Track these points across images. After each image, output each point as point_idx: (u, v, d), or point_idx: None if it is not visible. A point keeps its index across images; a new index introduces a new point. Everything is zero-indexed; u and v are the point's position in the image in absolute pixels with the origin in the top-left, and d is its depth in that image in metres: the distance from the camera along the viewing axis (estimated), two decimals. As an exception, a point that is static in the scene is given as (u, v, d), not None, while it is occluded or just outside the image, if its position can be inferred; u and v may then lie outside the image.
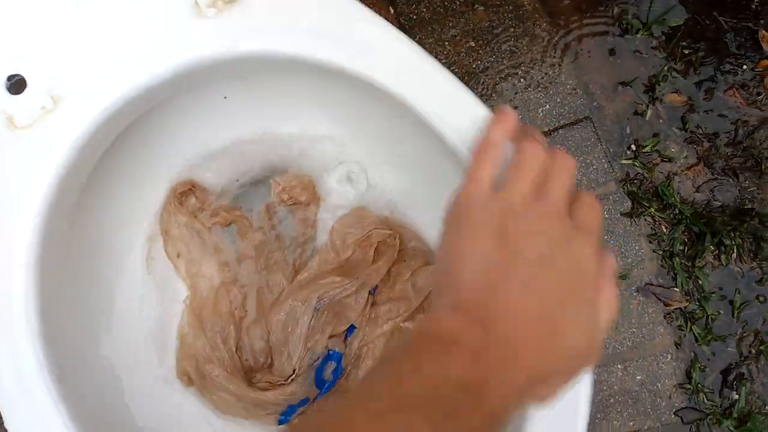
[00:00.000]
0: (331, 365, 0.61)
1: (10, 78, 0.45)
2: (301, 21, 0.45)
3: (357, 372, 0.61)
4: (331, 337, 0.60)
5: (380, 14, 0.92)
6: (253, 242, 0.60)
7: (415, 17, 1.00)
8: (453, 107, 0.44)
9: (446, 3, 1.00)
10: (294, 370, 0.58)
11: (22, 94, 0.45)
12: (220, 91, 0.56)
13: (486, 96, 0.98)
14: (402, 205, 0.64)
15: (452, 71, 0.84)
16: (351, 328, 0.62)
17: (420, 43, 0.94)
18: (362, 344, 0.61)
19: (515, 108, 0.97)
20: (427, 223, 0.63)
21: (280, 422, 0.58)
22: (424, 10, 1.00)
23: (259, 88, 0.56)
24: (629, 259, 0.95)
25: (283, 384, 0.58)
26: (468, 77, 0.98)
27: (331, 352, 0.61)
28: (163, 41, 0.45)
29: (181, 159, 0.59)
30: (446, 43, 0.99)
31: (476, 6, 1.00)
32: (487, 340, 0.29)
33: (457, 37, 0.99)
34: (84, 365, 0.48)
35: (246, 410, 0.57)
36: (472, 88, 0.94)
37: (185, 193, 0.59)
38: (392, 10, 1.00)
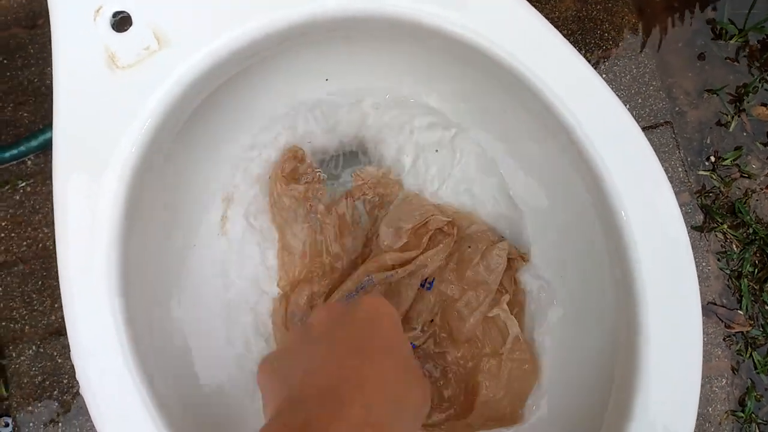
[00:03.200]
0: None
1: (115, 14, 0.43)
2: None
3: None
4: None
5: None
6: (334, 223, 0.58)
7: None
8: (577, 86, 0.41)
9: (533, -14, 0.96)
10: None
11: (126, 32, 0.42)
12: (323, 56, 0.53)
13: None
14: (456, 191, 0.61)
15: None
16: None
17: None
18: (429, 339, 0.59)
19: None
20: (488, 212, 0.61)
21: None
22: (510, -9, 0.96)
23: (364, 54, 0.53)
24: (694, 275, 0.91)
25: None
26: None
27: None
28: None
29: (267, 119, 0.57)
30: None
31: (565, -8, 0.95)
32: None
33: (542, 23, 0.95)
34: (157, 325, 0.46)
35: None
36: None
37: (290, 159, 0.56)
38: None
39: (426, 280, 0.60)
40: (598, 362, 0.48)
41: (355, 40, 0.51)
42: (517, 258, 0.59)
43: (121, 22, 0.43)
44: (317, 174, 0.58)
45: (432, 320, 0.59)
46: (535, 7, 0.95)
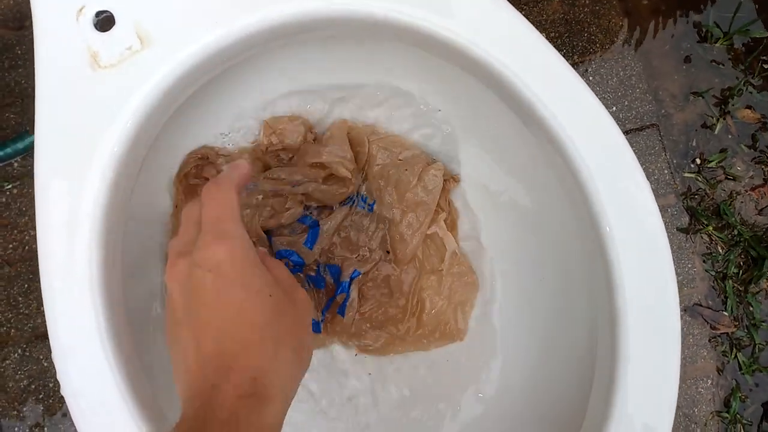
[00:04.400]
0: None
1: (98, 14, 0.43)
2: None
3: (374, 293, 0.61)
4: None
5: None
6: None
7: None
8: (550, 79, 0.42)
9: (520, -11, 0.96)
10: None
11: (109, 31, 0.42)
12: (301, 51, 0.53)
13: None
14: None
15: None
16: (314, 228, 0.60)
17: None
18: (373, 255, 0.60)
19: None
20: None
21: None
22: (498, -6, 0.96)
23: (341, 52, 0.53)
24: (680, 277, 0.91)
25: None
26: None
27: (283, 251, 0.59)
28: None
29: (247, 116, 0.57)
30: (516, 32, 0.95)
31: (552, -4, 0.96)
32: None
33: (529, 27, 0.95)
34: (139, 327, 0.46)
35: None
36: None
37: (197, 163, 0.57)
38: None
39: (366, 201, 0.61)
40: (578, 358, 0.48)
41: (338, 39, 0.51)
42: (449, 179, 0.62)
43: (104, 21, 0.43)
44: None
45: (377, 248, 0.61)
46: (523, 9, 0.96)
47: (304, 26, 0.44)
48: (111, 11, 0.43)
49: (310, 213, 0.60)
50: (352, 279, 0.60)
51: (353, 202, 0.61)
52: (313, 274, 0.60)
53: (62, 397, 0.85)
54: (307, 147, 0.57)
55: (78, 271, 0.41)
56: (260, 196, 0.58)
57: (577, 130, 0.42)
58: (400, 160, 0.60)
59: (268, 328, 0.33)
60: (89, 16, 0.42)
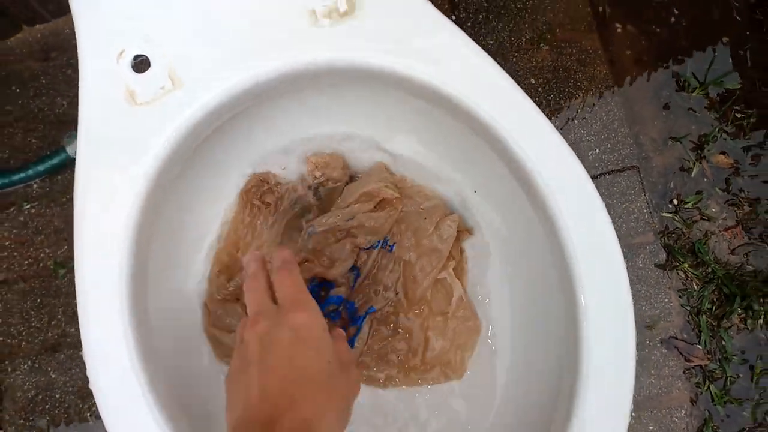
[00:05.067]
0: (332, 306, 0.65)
1: (136, 57, 0.49)
2: (406, 41, 0.49)
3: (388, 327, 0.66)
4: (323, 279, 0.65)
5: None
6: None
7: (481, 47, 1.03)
8: (516, 115, 0.48)
9: (513, 38, 1.04)
10: None
11: (144, 73, 0.49)
12: (313, 95, 0.59)
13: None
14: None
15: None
16: (357, 274, 0.66)
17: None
18: (386, 293, 0.65)
19: (566, 147, 1.00)
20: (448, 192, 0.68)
21: None
22: (491, 42, 1.04)
23: (348, 97, 0.60)
24: (657, 310, 0.97)
25: None
26: (525, 112, 1.01)
27: (332, 298, 0.65)
28: (279, 44, 0.49)
29: (260, 153, 0.63)
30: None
31: (542, 45, 1.03)
32: None
33: (519, 73, 1.03)
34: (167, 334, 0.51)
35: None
36: (528, 123, 0.98)
37: (258, 184, 0.63)
38: (460, 38, 1.03)
39: (387, 242, 0.66)
40: (548, 371, 0.54)
41: (340, 86, 0.58)
42: (464, 231, 0.67)
43: (141, 64, 0.49)
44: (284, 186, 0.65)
45: (392, 287, 0.66)
46: (514, 56, 1.03)
47: (310, 75, 0.50)
48: (147, 55, 0.49)
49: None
50: (366, 314, 0.65)
51: (381, 245, 0.66)
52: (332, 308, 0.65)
53: (68, 407, 0.89)
54: (351, 186, 0.64)
55: (109, 280, 0.46)
56: (317, 245, 0.64)
57: (552, 176, 0.48)
58: (422, 209, 0.66)
59: (324, 387, 0.40)
60: (128, 59, 0.49)
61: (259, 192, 0.64)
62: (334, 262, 0.64)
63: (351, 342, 0.64)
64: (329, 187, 0.66)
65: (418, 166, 0.67)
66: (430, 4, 0.51)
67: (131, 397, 0.44)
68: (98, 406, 0.44)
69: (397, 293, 0.65)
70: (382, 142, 0.65)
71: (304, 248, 0.64)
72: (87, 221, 0.46)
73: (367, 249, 0.65)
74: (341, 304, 0.64)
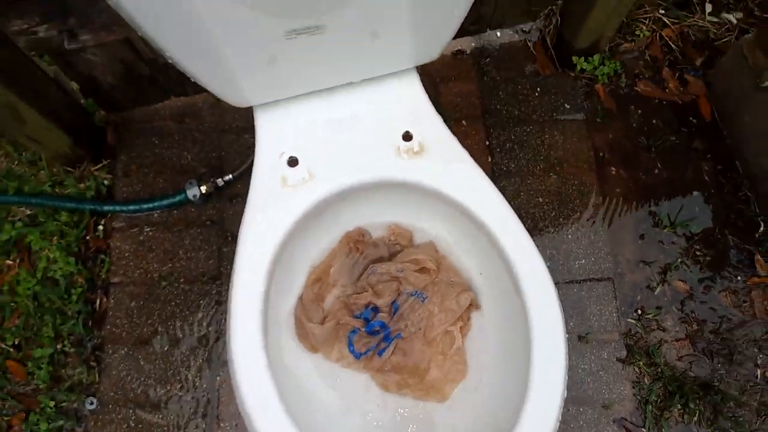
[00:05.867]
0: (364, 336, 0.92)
1: (290, 157, 0.80)
2: (449, 174, 0.79)
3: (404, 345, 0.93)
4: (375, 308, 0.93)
5: (480, 159, 1.29)
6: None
7: (504, 169, 1.35)
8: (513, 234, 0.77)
9: (530, 165, 1.35)
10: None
11: (294, 167, 0.79)
12: (394, 194, 0.90)
13: (544, 245, 1.30)
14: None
15: (521, 215, 1.18)
16: (396, 309, 0.93)
17: (502, 190, 1.28)
18: (411, 328, 0.92)
19: (558, 255, 1.28)
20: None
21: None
22: (513, 165, 1.35)
23: (413, 198, 0.90)
24: (614, 395, 1.22)
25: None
26: (531, 222, 1.31)
27: (377, 321, 0.92)
28: (375, 163, 0.80)
29: (359, 221, 0.94)
30: (521, 194, 1.33)
31: (551, 174, 1.34)
32: None
33: (531, 192, 1.33)
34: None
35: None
36: (531, 232, 1.28)
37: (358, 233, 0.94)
38: (490, 159, 1.35)
39: (422, 295, 0.94)
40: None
41: (408, 194, 0.88)
42: (474, 305, 0.94)
43: (292, 161, 0.80)
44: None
45: (416, 325, 0.93)
46: (530, 179, 1.33)
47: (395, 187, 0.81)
48: (297, 157, 0.80)
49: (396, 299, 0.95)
50: (395, 337, 0.92)
51: (417, 295, 0.94)
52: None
53: (147, 389, 1.15)
54: (408, 250, 0.94)
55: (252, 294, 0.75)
56: (374, 280, 0.94)
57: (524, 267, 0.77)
58: (451, 281, 0.95)
59: None
60: (285, 158, 0.80)
61: (355, 237, 0.94)
62: (383, 295, 0.92)
63: (380, 353, 0.91)
64: (396, 249, 0.95)
65: (447, 245, 0.96)
66: (467, 155, 0.81)
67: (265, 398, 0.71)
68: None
69: (418, 329, 0.93)
70: (426, 228, 0.95)
71: (366, 280, 0.93)
72: (244, 248, 0.75)
73: (407, 294, 0.93)
74: (381, 326, 0.92)
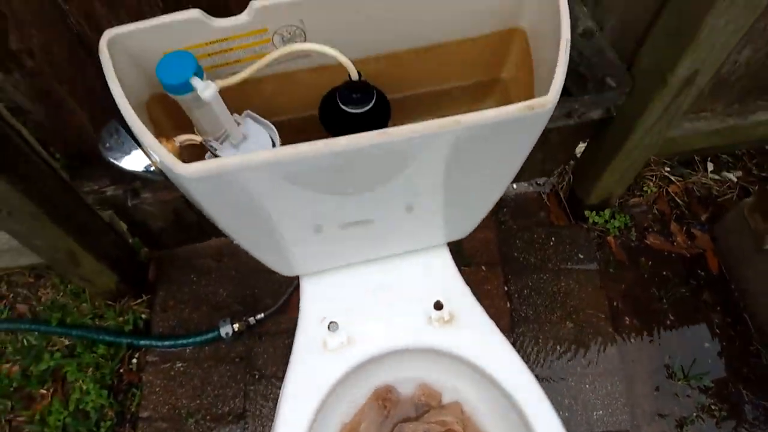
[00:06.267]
0: None
1: (331, 323, 0.87)
2: (473, 342, 0.86)
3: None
4: None
5: (500, 305, 1.35)
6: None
7: (522, 315, 1.41)
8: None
9: (548, 312, 1.41)
10: None
11: (335, 332, 0.86)
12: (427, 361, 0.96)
13: (563, 394, 1.33)
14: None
15: (537, 364, 1.23)
16: None
17: (522, 336, 1.33)
18: None
19: (576, 405, 1.31)
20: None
21: None
22: (531, 312, 1.42)
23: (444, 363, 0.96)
24: None
25: None
26: (550, 370, 1.35)
27: None
28: (407, 330, 0.87)
29: (390, 380, 0.99)
30: (539, 340, 1.38)
31: (568, 322, 1.40)
32: None
33: (550, 339, 1.38)
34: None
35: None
36: (550, 379, 1.31)
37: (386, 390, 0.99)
38: (509, 305, 1.42)
39: None
40: None
41: (440, 361, 0.94)
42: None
43: (332, 326, 0.87)
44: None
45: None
46: (546, 325, 1.39)
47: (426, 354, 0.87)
48: (338, 323, 0.87)
49: None
50: None
51: None
52: None
53: None
54: (435, 410, 0.99)
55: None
56: None
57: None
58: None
59: None
60: (326, 323, 0.87)
61: (383, 395, 0.98)
62: None
63: None
64: (425, 408, 0.99)
65: (473, 408, 1.00)
66: (495, 326, 0.88)
67: None
68: None
69: None
70: (453, 388, 1.00)
71: None
72: (284, 411, 0.81)
73: None
74: None
